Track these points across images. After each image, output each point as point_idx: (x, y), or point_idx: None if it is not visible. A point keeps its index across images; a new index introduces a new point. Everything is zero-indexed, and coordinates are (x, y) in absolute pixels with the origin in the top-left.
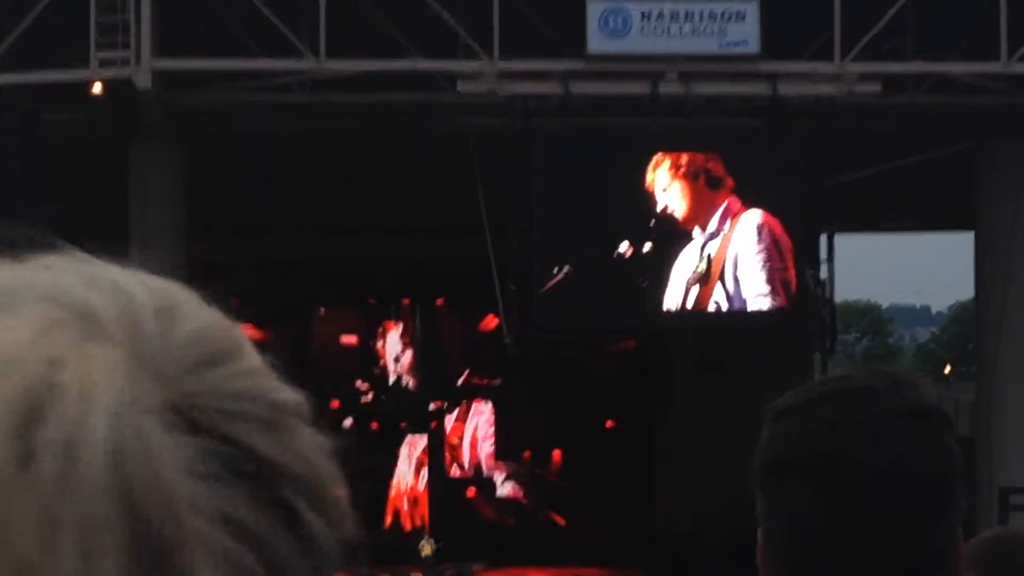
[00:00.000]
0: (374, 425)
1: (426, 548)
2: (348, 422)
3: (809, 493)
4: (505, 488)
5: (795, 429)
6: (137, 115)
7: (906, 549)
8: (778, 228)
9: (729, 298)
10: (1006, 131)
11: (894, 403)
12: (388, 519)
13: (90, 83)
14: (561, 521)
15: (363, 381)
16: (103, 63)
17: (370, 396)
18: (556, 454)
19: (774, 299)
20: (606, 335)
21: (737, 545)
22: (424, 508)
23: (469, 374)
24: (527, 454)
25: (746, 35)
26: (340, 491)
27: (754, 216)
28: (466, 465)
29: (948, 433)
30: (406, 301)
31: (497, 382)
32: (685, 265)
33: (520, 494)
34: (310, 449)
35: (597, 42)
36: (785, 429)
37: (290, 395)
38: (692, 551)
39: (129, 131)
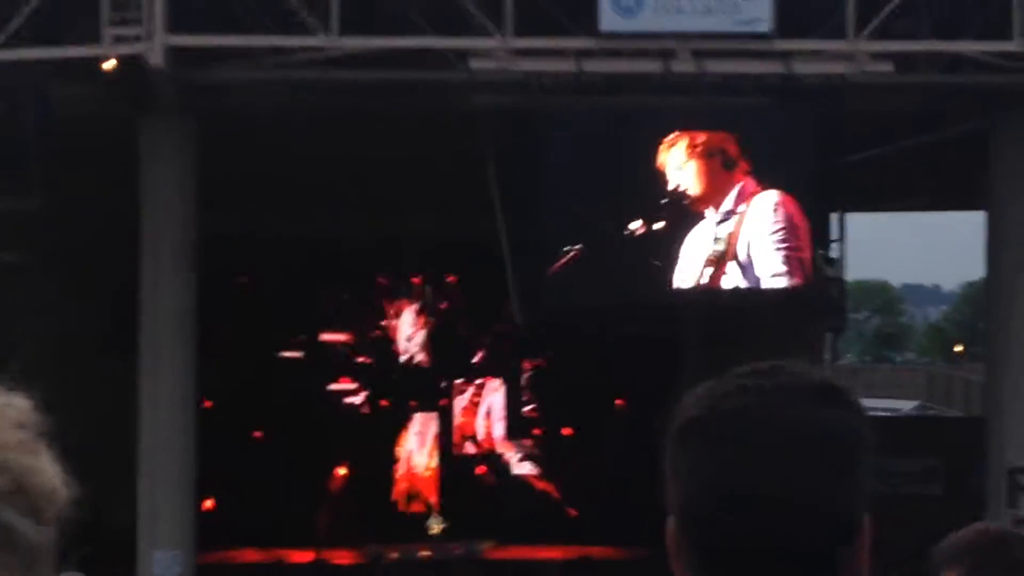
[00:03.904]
0: (384, 403)
1: (435, 527)
2: (359, 399)
3: (713, 452)
4: (515, 467)
5: (704, 395)
6: (150, 92)
7: (803, 509)
8: (794, 208)
9: (744, 277)
10: (1019, 110)
11: (802, 377)
12: (397, 497)
13: (102, 60)
14: (571, 509)
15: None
16: (115, 39)
17: (370, 360)
18: (566, 433)
19: (791, 278)
20: (617, 313)
21: None
22: (433, 486)
23: (480, 353)
24: (537, 432)
25: (759, 13)
26: None
27: (771, 196)
28: (476, 444)
29: (852, 409)
30: (417, 280)
31: (508, 361)
32: (698, 244)
33: (530, 473)
34: None
35: (609, 20)
36: (694, 399)
37: None
38: None
39: (142, 108)
